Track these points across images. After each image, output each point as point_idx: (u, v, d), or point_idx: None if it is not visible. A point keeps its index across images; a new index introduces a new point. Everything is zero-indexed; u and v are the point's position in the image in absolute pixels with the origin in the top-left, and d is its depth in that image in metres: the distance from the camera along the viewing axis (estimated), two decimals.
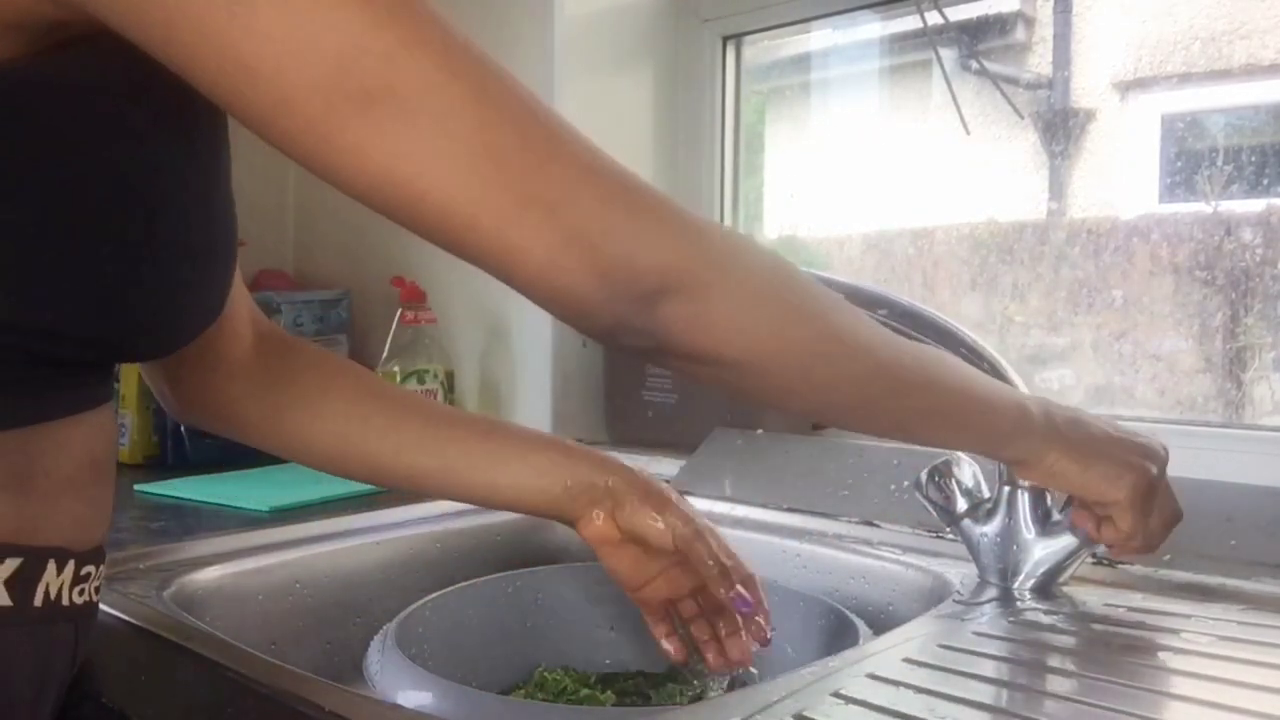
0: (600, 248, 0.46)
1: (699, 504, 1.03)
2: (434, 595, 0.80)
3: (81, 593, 0.55)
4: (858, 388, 0.56)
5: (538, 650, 0.87)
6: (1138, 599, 0.71)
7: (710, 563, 0.69)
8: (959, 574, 0.77)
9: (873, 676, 0.56)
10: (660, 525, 0.69)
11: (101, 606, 0.70)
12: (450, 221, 0.45)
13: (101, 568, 0.58)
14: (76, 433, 0.54)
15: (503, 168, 0.45)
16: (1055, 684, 0.57)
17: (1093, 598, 0.71)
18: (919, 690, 0.54)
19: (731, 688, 0.75)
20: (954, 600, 0.72)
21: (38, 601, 0.52)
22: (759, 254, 0.54)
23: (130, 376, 1.35)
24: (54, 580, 0.53)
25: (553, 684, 0.83)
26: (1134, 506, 0.66)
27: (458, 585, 0.83)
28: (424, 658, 0.68)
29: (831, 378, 0.54)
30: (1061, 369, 1.21)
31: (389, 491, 1.12)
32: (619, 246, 0.47)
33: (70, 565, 0.54)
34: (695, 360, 0.51)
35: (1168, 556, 0.76)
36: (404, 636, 0.70)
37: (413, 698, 0.61)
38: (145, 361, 0.69)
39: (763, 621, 0.71)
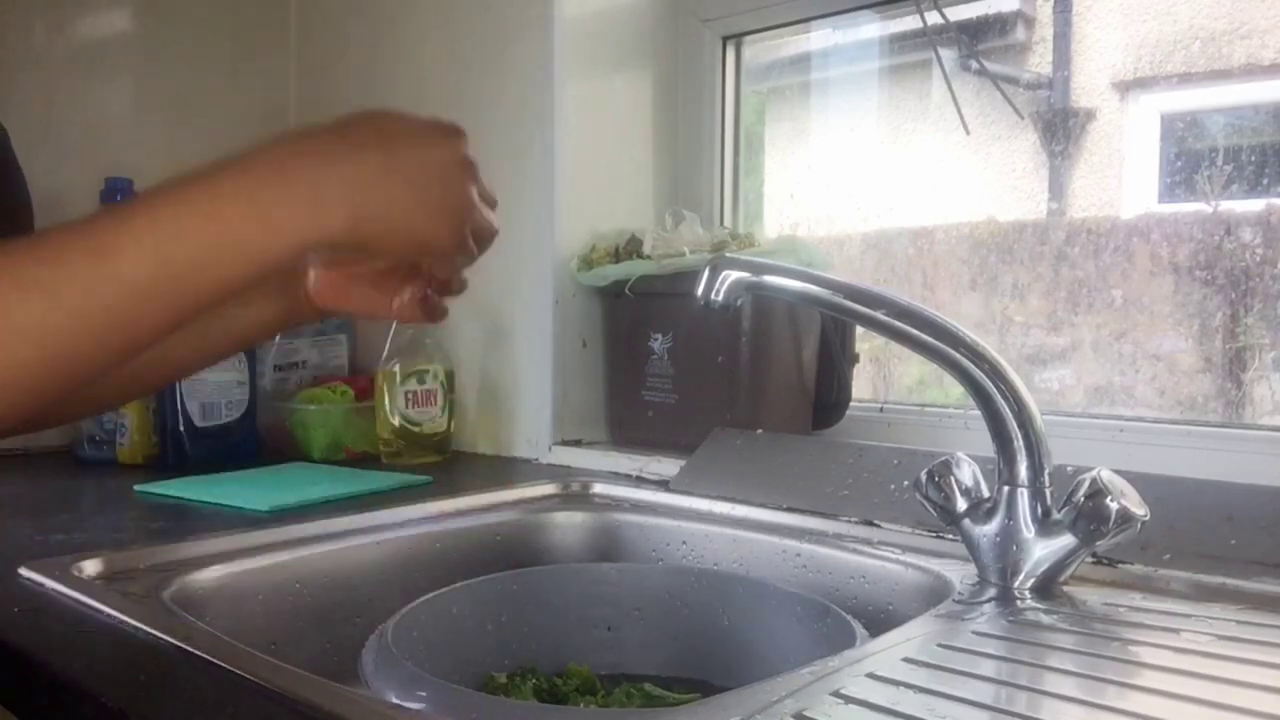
0: None
1: (699, 504, 1.04)
2: (430, 595, 0.80)
3: None
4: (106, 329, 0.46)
5: (535, 651, 0.87)
6: (1138, 599, 0.71)
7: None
8: (959, 574, 0.77)
9: (873, 676, 0.56)
10: None
11: (102, 607, 0.71)
12: None
13: None
14: None
15: None
16: (1055, 684, 0.57)
17: (1093, 598, 0.71)
18: (919, 690, 0.54)
19: None
20: (954, 600, 0.72)
21: None
22: None
23: None
24: None
25: (550, 685, 0.83)
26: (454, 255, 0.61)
27: (454, 585, 0.83)
28: (419, 658, 0.68)
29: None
30: (1061, 369, 1.21)
31: (390, 491, 1.12)
32: None
33: None
34: None
35: (1168, 556, 0.76)
36: (399, 636, 0.70)
37: (406, 698, 0.61)
38: None
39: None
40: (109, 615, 0.70)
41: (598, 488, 1.15)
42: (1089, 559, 0.75)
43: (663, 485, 1.12)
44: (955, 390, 1.09)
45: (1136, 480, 0.73)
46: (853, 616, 0.74)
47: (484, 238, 0.62)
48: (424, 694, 0.60)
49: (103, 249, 0.47)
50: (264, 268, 0.50)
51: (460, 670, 0.77)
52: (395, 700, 0.61)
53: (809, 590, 0.85)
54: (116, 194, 1.43)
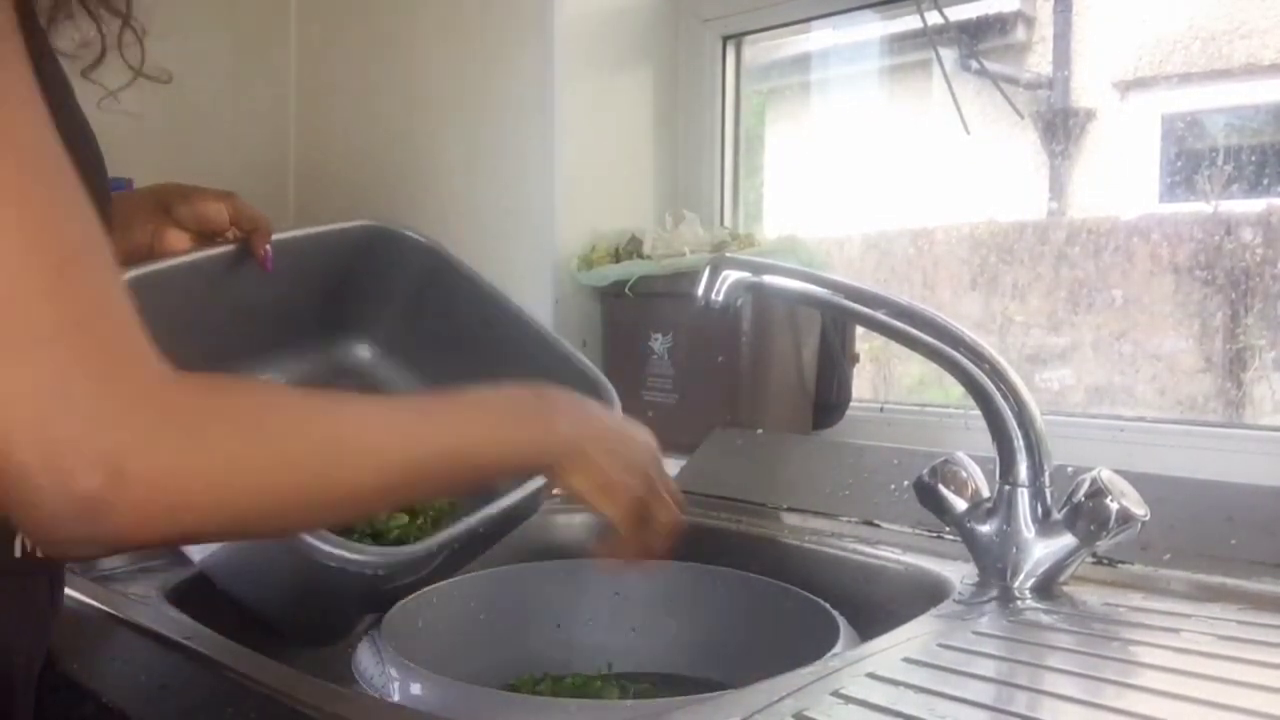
0: (51, 420, 0.39)
1: (699, 504, 1.04)
2: (428, 589, 0.79)
3: None
4: (377, 495, 0.51)
5: (524, 649, 0.86)
6: (1138, 599, 0.71)
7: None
8: (959, 574, 0.77)
9: (873, 676, 0.56)
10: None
11: (101, 607, 0.71)
12: None
13: None
14: None
15: None
16: (1055, 684, 0.57)
17: (1093, 598, 0.71)
18: (919, 690, 0.54)
19: None
20: (954, 600, 0.72)
21: (16, 553, 0.54)
22: (237, 399, 0.45)
23: None
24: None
25: (552, 682, 0.83)
26: (628, 521, 0.65)
27: (451, 579, 0.82)
28: (416, 652, 0.67)
29: (342, 498, 0.49)
30: (1061, 369, 1.21)
31: None
32: (69, 426, 0.39)
33: None
34: (173, 543, 0.46)
35: (1168, 556, 0.76)
36: (395, 630, 0.70)
37: (403, 691, 0.61)
38: None
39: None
40: (109, 615, 0.70)
41: None
42: (1089, 559, 0.75)
43: None
44: (955, 390, 1.09)
45: (1136, 480, 0.73)
46: (853, 616, 0.74)
47: (662, 519, 0.67)
48: (420, 687, 0.60)
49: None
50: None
51: (457, 664, 0.77)
52: (393, 696, 0.61)
53: (809, 590, 0.85)
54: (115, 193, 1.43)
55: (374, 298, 0.99)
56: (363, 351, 1.04)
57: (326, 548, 0.65)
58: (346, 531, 0.76)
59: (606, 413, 0.68)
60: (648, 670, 0.87)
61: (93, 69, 0.67)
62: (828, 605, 0.76)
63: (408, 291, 0.99)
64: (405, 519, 0.83)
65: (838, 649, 0.66)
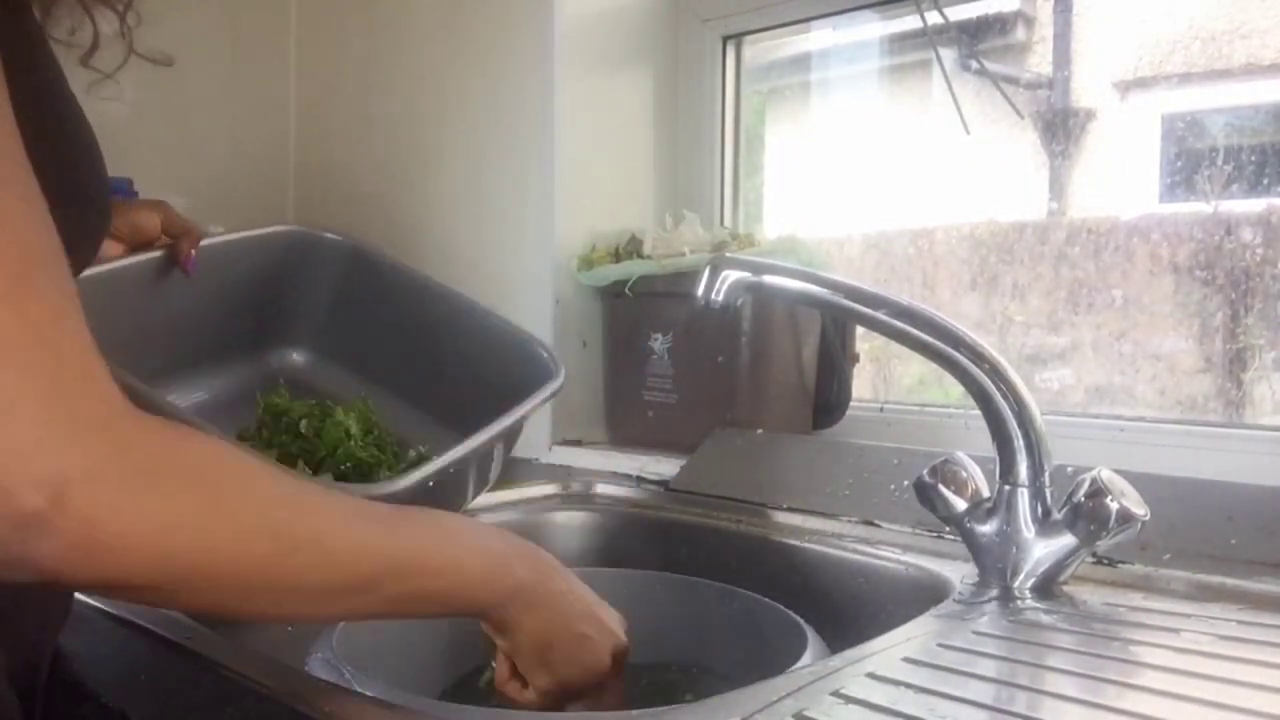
0: None
1: (699, 504, 1.04)
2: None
3: None
4: (322, 595, 0.49)
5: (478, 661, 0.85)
6: (1138, 599, 0.71)
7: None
8: (959, 574, 0.77)
9: (873, 676, 0.56)
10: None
11: (101, 606, 0.71)
12: None
13: None
14: None
15: None
16: (1055, 684, 0.57)
17: (1093, 598, 0.71)
18: (919, 690, 0.54)
19: None
20: (954, 600, 0.72)
21: None
22: (198, 455, 0.44)
23: None
24: None
25: None
26: (542, 696, 0.62)
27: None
28: (371, 665, 0.66)
29: (283, 590, 0.47)
30: (1061, 369, 1.21)
31: None
32: (13, 442, 0.37)
33: None
34: (96, 587, 0.43)
35: (1168, 556, 0.76)
36: (347, 643, 0.69)
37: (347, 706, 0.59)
38: None
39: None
40: (109, 615, 0.69)
41: (598, 488, 1.15)
42: (1089, 559, 0.75)
43: (663, 485, 1.12)
44: (955, 390, 1.09)
45: (1136, 480, 0.73)
46: (853, 616, 0.74)
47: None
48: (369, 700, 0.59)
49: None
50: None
51: (408, 678, 0.76)
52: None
53: (809, 590, 0.85)
54: (116, 194, 1.43)
55: (301, 301, 1.00)
56: (296, 356, 1.06)
57: None
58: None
59: (576, 583, 0.63)
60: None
61: (89, 57, 0.67)
62: (798, 617, 0.75)
63: (333, 292, 1.00)
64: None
65: (805, 660, 0.66)
